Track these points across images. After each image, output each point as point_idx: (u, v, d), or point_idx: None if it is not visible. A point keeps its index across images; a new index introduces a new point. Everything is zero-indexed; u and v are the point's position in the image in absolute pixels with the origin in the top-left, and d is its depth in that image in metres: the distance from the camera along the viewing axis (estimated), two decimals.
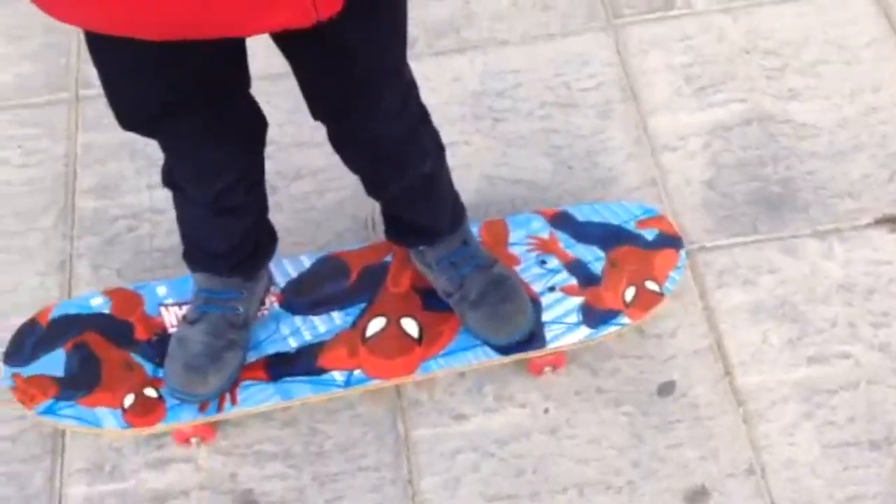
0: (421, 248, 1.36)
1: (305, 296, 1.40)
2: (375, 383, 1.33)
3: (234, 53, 1.05)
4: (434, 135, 1.26)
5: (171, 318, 1.39)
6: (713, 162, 1.61)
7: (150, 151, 1.63)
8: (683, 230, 1.51)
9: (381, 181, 1.26)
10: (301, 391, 1.32)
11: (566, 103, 1.69)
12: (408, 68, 1.15)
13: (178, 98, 1.03)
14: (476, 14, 1.82)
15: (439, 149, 1.28)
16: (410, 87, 1.18)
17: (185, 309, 1.37)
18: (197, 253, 1.32)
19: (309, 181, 1.61)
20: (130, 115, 1.07)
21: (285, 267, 1.43)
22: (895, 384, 1.37)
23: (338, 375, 1.33)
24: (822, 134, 1.63)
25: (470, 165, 1.61)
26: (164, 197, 1.59)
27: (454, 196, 1.36)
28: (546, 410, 1.36)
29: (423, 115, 1.23)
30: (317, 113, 1.14)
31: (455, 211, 1.35)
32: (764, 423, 1.35)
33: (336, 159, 1.65)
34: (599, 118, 1.67)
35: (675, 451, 1.32)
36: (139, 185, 1.62)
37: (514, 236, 1.45)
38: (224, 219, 1.24)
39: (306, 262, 1.44)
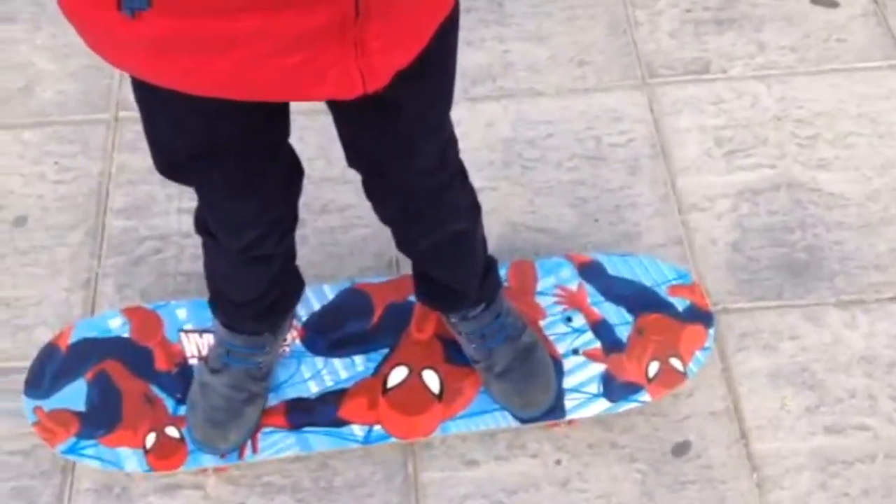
0: (453, 319, 1.35)
1: (327, 333, 1.40)
2: (393, 441, 1.33)
3: (278, 105, 1.03)
4: (470, 193, 1.26)
5: (191, 346, 1.39)
6: (739, 224, 1.61)
7: None
8: (707, 291, 1.51)
9: (412, 235, 1.25)
10: (321, 443, 1.32)
11: (595, 156, 1.71)
12: (450, 124, 1.14)
13: (215, 146, 1.01)
14: (514, 64, 1.85)
15: (474, 207, 1.27)
16: (450, 142, 1.16)
17: (204, 338, 1.38)
18: (222, 302, 1.31)
19: (336, 216, 1.62)
20: (165, 159, 1.05)
21: (308, 297, 1.43)
22: None
23: (357, 430, 1.33)
24: (851, 205, 1.63)
25: (496, 210, 1.62)
26: (192, 221, 1.62)
27: (488, 262, 1.34)
28: (558, 462, 1.35)
29: (460, 171, 1.22)
30: (353, 161, 1.13)
31: (488, 278, 1.33)
32: (777, 490, 1.33)
33: (364, 197, 1.67)
34: (628, 173, 1.68)
35: None
36: (169, 209, 1.65)
37: (542, 284, 1.45)
38: (253, 267, 1.23)
39: (329, 294, 1.44)
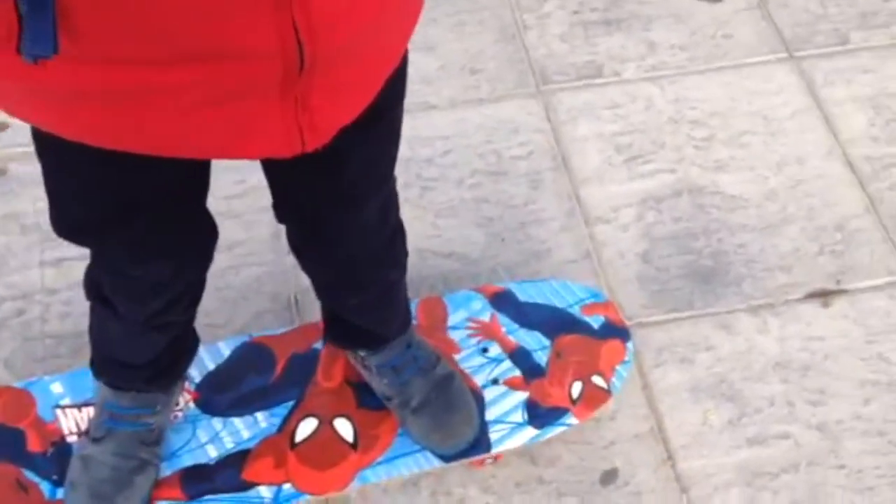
0: (362, 353, 1.26)
1: (225, 392, 1.28)
2: (307, 499, 1.22)
3: (200, 161, 0.91)
4: (405, 244, 1.17)
5: (69, 422, 1.24)
6: (646, 234, 1.58)
7: (43, 223, 1.48)
8: (620, 306, 1.47)
9: (342, 295, 1.16)
10: None
11: (497, 171, 1.64)
12: (393, 178, 1.05)
13: (128, 207, 0.90)
14: None
15: (406, 257, 1.19)
16: (392, 197, 1.08)
17: (84, 412, 1.23)
18: (109, 364, 1.17)
19: (224, 256, 1.49)
20: (70, 222, 0.93)
21: (201, 356, 1.30)
22: (834, 465, 1.35)
23: (265, 491, 1.21)
24: (751, 206, 1.63)
25: None
26: (57, 274, 1.46)
27: (407, 300, 1.26)
28: None
29: (400, 229, 1.14)
30: (286, 216, 1.03)
31: (405, 317, 1.26)
32: None
33: (255, 232, 1.55)
34: (531, 187, 1.63)
35: None
36: (30, 262, 1.47)
37: (452, 319, 1.37)
38: (152, 335, 1.10)
39: (225, 351, 1.32)
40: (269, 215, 1.52)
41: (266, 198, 1.50)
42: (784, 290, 1.52)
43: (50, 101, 0.71)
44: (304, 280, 1.48)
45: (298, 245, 1.09)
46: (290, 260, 1.48)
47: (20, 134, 1.42)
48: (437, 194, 1.60)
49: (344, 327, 1.23)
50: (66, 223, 0.94)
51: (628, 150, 1.69)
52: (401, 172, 1.61)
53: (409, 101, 1.71)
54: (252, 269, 1.48)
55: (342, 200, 0.97)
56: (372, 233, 1.05)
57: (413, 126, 1.69)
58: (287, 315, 1.42)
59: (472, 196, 1.61)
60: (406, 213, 1.57)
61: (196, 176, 0.94)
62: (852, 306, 1.51)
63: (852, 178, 1.67)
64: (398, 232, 1.14)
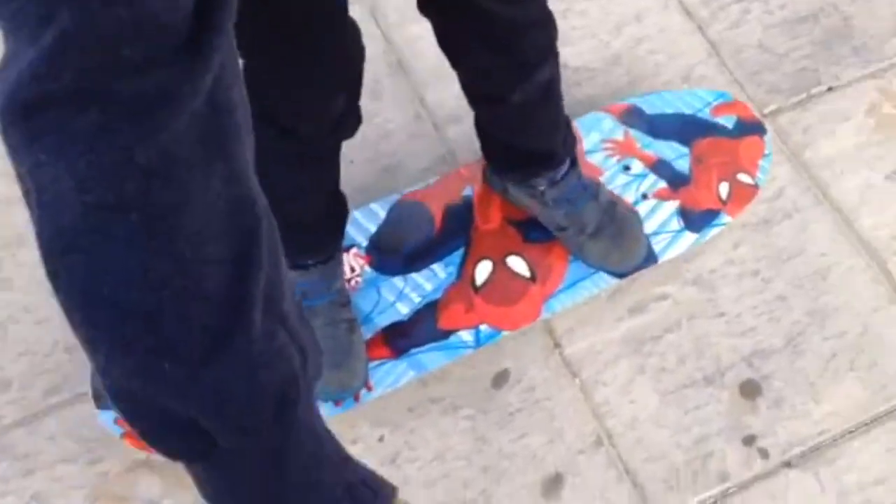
0: (541, 188, 1.29)
1: (394, 252, 1.33)
2: (506, 335, 1.29)
3: None
4: (555, 32, 1.18)
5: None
6: None
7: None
8: None
9: (503, 85, 1.17)
10: (434, 361, 1.25)
11: None
12: None
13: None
14: None
15: (558, 56, 1.21)
16: None
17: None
18: (291, 233, 1.14)
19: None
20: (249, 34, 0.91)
21: (358, 220, 1.34)
22: (713, 315, 1.38)
23: (465, 335, 1.28)
24: (598, 75, 1.59)
25: None
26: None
27: (567, 117, 1.29)
28: (381, 438, 1.26)
29: (550, 15, 1.16)
30: (431, 4, 1.10)
31: (570, 129, 1.29)
32: (601, 388, 1.32)
33: None
34: (371, 99, 1.55)
35: (521, 442, 1.27)
36: None
37: (587, 143, 1.42)
38: (324, 159, 1.16)
39: (380, 212, 1.36)
40: None
41: None
42: None
43: None
44: None
45: (454, 30, 1.13)
46: None
47: None
48: None
49: (514, 152, 1.27)
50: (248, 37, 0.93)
51: None
52: None
53: None
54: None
55: None
56: (516, 3, 1.10)
57: None
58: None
59: None
60: None
61: None
62: None
63: (692, 26, 1.65)
64: (551, 18, 1.16)
